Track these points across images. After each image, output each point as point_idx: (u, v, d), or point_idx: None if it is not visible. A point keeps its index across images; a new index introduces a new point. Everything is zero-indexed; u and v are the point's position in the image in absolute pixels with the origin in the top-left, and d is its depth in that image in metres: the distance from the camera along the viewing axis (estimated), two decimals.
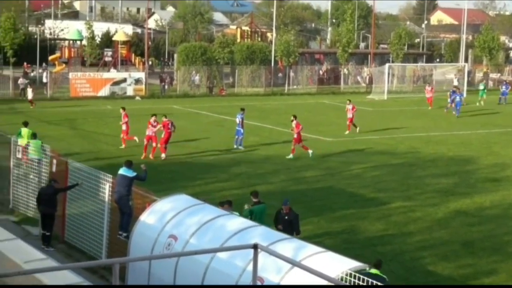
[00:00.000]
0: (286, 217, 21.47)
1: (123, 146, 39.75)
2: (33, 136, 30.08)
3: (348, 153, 40.56)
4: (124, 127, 40.03)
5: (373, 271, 17.23)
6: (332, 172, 35.56)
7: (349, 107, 47.12)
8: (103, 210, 22.15)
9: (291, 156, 38.60)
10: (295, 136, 38.74)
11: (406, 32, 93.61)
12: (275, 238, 16.71)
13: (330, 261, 15.40)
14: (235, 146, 40.94)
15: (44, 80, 69.47)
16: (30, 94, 58.78)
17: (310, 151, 38.74)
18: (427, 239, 25.25)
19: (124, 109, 40.77)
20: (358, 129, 46.81)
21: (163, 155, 37.16)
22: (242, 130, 41.04)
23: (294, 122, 38.82)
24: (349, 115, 47.06)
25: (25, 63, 73.09)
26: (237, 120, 41.48)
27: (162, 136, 37.79)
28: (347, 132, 46.74)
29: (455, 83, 77.94)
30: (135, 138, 39.30)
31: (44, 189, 23.96)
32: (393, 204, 29.55)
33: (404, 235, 25.55)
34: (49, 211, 23.38)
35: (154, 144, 37.52)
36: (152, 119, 37.88)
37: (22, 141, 29.40)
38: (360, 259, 16.38)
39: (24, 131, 31.93)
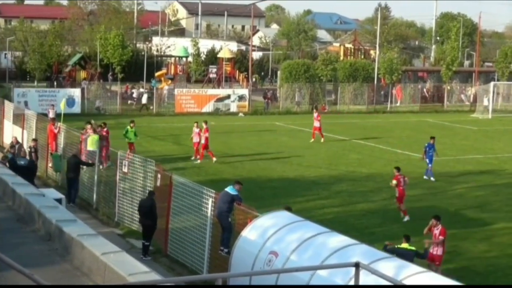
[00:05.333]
0: None
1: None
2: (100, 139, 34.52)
3: (452, 172, 40.07)
4: (202, 141, 40.42)
5: (403, 245, 20.31)
6: (434, 191, 35.19)
7: (196, 130, 41.33)
8: (205, 225, 22.45)
9: (198, 161, 40.27)
10: (203, 141, 40.10)
11: None
12: (377, 257, 16.68)
13: (431, 281, 15.31)
14: (425, 177, 38.14)
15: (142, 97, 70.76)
16: (51, 113, 49.18)
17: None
18: None
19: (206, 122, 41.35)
20: (198, 159, 40.99)
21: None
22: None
23: (205, 126, 40.22)
24: (196, 139, 41.38)
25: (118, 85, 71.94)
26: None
27: (203, 142, 39.77)
28: (194, 158, 41.41)
29: None
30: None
31: (144, 202, 24.72)
32: (497, 225, 29.07)
33: (507, 256, 25.10)
34: (148, 223, 24.08)
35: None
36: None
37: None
38: (461, 280, 16.25)
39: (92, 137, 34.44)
